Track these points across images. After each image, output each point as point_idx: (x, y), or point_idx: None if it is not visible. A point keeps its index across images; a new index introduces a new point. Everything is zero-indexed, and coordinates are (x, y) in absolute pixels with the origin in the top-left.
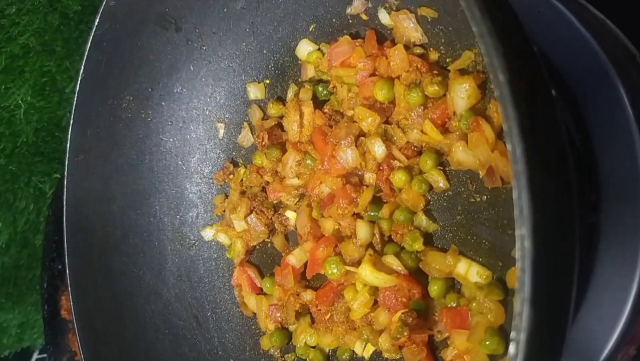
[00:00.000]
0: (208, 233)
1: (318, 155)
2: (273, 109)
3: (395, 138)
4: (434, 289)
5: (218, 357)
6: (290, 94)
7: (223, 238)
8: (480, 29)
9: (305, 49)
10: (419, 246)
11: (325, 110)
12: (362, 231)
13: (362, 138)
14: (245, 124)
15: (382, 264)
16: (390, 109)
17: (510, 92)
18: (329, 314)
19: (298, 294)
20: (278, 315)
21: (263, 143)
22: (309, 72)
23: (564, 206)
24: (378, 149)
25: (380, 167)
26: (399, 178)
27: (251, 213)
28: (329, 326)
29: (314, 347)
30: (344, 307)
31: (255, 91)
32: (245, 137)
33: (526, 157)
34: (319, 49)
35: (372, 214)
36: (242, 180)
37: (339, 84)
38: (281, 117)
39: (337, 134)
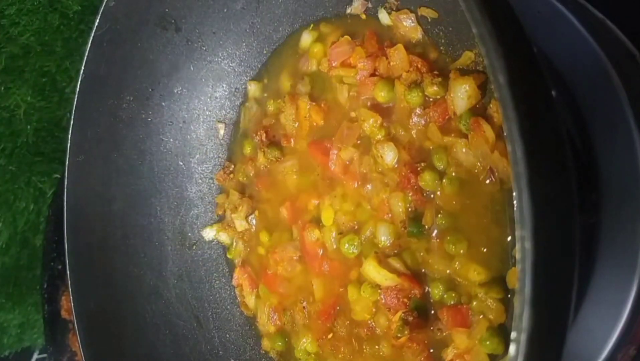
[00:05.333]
0: (209, 233)
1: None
2: (271, 106)
3: (398, 136)
4: (435, 290)
5: (219, 357)
6: (287, 88)
7: (224, 238)
8: (480, 30)
9: (307, 38)
10: (463, 247)
11: (322, 105)
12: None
13: (371, 145)
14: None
15: (386, 263)
16: (391, 109)
17: (511, 93)
18: (331, 333)
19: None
20: (275, 317)
21: (262, 141)
22: (310, 65)
23: (565, 207)
24: (389, 153)
25: (405, 176)
26: (428, 178)
27: (252, 212)
28: (333, 348)
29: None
30: (346, 322)
31: (254, 90)
32: None
33: (527, 159)
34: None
35: (414, 230)
36: (239, 178)
37: (339, 84)
38: (279, 114)
39: (340, 137)
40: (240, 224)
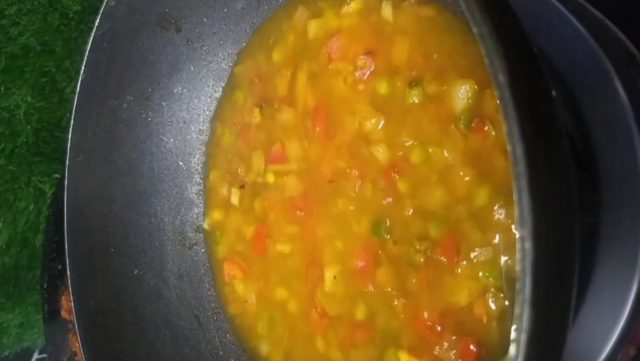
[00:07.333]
0: (207, 222)
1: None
2: (275, 56)
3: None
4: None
5: (219, 357)
6: (285, 55)
7: (219, 217)
8: (480, 30)
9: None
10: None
11: (316, 90)
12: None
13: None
14: None
15: None
16: (390, 106)
17: (511, 93)
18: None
19: None
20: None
21: (256, 87)
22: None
23: (565, 207)
24: (381, 152)
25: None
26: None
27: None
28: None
29: None
30: None
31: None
32: None
33: (527, 159)
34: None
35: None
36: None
37: (338, 79)
38: (276, 74)
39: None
40: (235, 198)
